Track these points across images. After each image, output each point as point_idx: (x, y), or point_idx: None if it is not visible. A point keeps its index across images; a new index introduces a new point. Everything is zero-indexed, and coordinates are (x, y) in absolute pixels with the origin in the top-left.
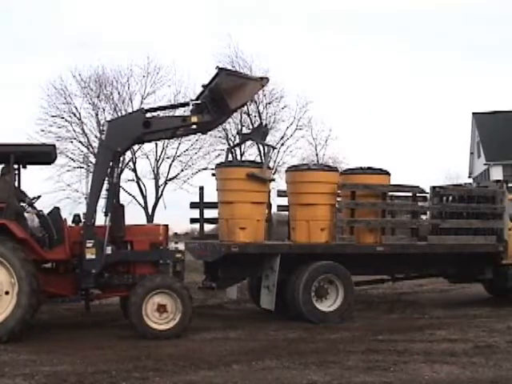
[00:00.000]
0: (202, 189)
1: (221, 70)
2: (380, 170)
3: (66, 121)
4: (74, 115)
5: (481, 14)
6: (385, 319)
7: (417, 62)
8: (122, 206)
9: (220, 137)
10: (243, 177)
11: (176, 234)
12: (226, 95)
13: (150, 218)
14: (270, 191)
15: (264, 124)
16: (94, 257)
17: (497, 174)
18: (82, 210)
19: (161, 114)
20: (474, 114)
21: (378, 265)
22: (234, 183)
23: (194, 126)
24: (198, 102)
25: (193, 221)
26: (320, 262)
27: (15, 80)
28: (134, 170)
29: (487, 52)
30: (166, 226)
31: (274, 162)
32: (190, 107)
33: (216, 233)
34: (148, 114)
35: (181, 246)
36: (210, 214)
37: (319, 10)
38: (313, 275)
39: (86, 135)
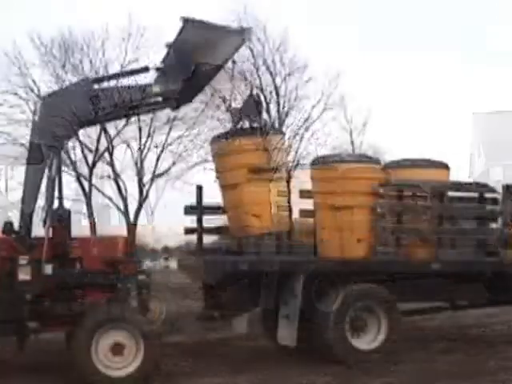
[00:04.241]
0: (200, 188)
1: (187, 21)
2: (436, 162)
3: (21, 98)
4: (32, 91)
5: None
6: (443, 361)
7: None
8: (68, 211)
9: (223, 119)
10: (245, 148)
11: (166, 248)
12: (194, 54)
13: (131, 225)
14: (286, 161)
15: (255, 94)
16: (28, 278)
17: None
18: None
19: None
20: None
21: (434, 288)
22: (236, 159)
23: (160, 99)
24: (161, 66)
25: (188, 231)
26: (356, 285)
27: None
28: (111, 164)
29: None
30: (126, 238)
31: (296, 152)
32: (153, 73)
33: (219, 246)
34: (96, 86)
35: (172, 264)
36: (211, 221)
37: None
38: (347, 302)
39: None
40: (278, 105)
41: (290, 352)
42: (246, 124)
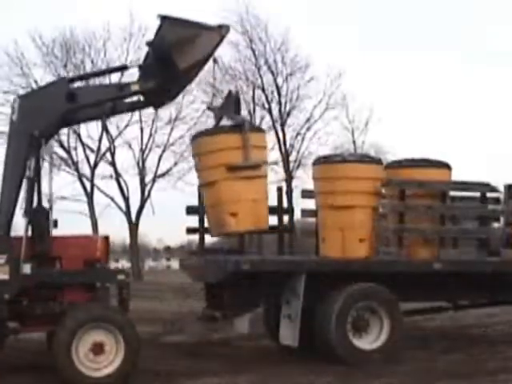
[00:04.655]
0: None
1: (164, 18)
2: (438, 162)
3: None
4: None
5: None
6: (443, 361)
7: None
8: (46, 210)
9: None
10: (223, 146)
11: (168, 248)
12: (172, 51)
13: (133, 225)
14: (266, 160)
15: (234, 92)
16: (6, 277)
17: None
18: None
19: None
20: None
21: (435, 288)
22: (214, 157)
23: (139, 98)
24: (138, 64)
25: (190, 231)
26: (358, 285)
27: None
28: (113, 164)
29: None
30: (107, 237)
31: (298, 151)
32: (135, 72)
33: (221, 246)
34: (74, 85)
35: (174, 264)
36: None
37: None
38: (349, 302)
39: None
40: (280, 104)
41: (291, 352)
42: (227, 122)
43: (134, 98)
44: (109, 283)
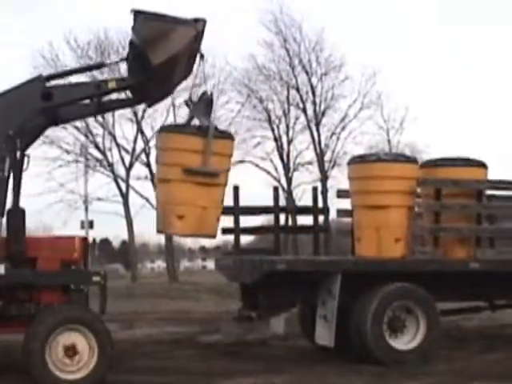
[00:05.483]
0: (237, 189)
1: (137, 13)
2: (474, 160)
3: None
4: None
5: None
6: (481, 361)
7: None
8: (22, 211)
9: (260, 119)
10: (183, 147)
11: (203, 248)
12: (146, 47)
13: None
14: (228, 168)
15: (209, 93)
16: None
17: None
18: (79, 216)
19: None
20: None
21: (472, 288)
22: (172, 155)
23: (129, 95)
24: (116, 61)
25: (225, 231)
26: (394, 285)
27: None
28: (148, 165)
29: None
30: (85, 238)
31: (333, 151)
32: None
33: (257, 246)
34: (50, 83)
35: (209, 264)
36: (248, 221)
37: None
38: (385, 302)
39: (83, 119)
40: (315, 104)
41: (327, 352)
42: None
43: (122, 96)
44: (84, 285)
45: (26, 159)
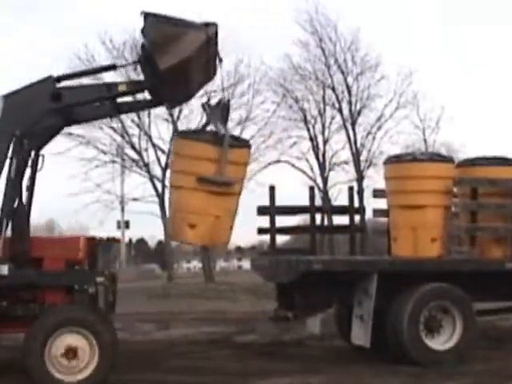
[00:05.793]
0: (273, 189)
1: (147, 15)
2: (511, 159)
3: None
4: None
5: None
6: None
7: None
8: (27, 210)
9: (296, 119)
10: (198, 154)
11: (239, 248)
12: (154, 51)
13: None
14: (244, 177)
15: (226, 100)
16: None
17: None
18: (115, 216)
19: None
20: None
21: (509, 287)
22: (186, 162)
23: (147, 97)
24: (127, 63)
25: (261, 231)
26: (430, 284)
27: (24, 48)
28: None
29: None
30: (92, 238)
31: (369, 151)
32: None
33: (293, 246)
34: (60, 84)
35: (245, 264)
36: (283, 221)
37: None
38: (421, 302)
39: (120, 120)
40: (350, 104)
41: (363, 352)
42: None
43: (140, 97)
44: (87, 285)
45: (40, 159)
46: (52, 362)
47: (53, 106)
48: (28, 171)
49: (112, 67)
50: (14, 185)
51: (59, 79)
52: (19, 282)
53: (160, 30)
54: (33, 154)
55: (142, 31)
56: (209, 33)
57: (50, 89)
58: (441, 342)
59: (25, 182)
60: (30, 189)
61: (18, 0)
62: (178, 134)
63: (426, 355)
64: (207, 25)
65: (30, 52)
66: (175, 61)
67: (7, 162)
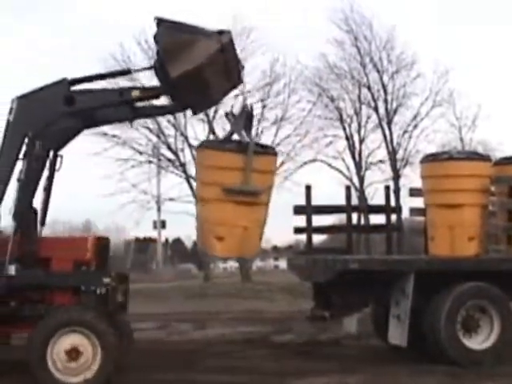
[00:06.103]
0: (309, 188)
1: (160, 21)
2: None
3: None
4: None
5: None
6: None
7: None
8: (35, 211)
9: (331, 118)
10: (223, 164)
11: (276, 247)
12: (166, 58)
13: None
14: (271, 185)
15: (249, 107)
16: None
17: None
18: (151, 216)
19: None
20: None
21: None
22: (210, 173)
23: (168, 102)
24: (141, 68)
25: (297, 230)
26: (468, 284)
27: (24, 48)
28: None
29: None
30: (101, 237)
31: (405, 149)
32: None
33: (329, 246)
34: (74, 87)
35: (282, 264)
36: (320, 221)
37: None
38: (458, 301)
39: (156, 120)
40: (386, 102)
41: (399, 352)
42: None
43: (161, 102)
44: (94, 286)
45: (59, 160)
46: (54, 362)
47: (66, 110)
48: (46, 172)
49: (127, 72)
50: (25, 184)
51: (73, 82)
52: (26, 283)
53: (172, 37)
54: (51, 154)
55: (155, 37)
56: (222, 40)
57: (64, 92)
58: (478, 342)
59: (42, 183)
60: (48, 189)
61: (17, 0)
62: (201, 144)
63: (464, 355)
64: (221, 32)
65: (30, 52)
66: (186, 68)
67: (20, 162)
